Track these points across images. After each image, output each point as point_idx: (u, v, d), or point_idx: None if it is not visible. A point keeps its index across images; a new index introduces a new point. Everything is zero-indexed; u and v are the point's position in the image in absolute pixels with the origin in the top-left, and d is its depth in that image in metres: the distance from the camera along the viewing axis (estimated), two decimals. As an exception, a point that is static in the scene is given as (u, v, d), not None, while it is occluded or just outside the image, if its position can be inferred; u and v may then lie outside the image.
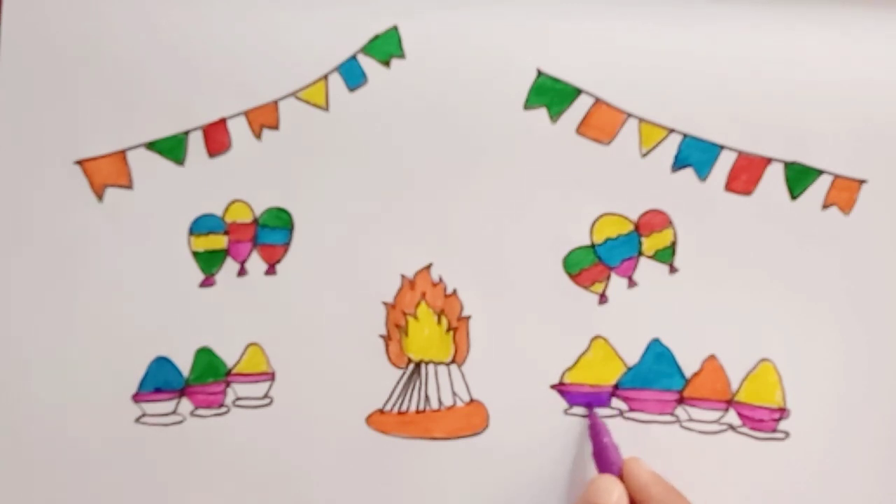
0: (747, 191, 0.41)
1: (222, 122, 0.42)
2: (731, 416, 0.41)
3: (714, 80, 0.41)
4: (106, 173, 0.42)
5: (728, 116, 0.41)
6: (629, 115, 0.41)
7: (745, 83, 0.41)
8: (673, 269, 0.41)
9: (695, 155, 0.41)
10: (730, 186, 0.41)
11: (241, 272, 0.42)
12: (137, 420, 0.41)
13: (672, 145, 0.41)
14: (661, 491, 0.37)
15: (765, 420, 0.41)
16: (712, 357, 0.41)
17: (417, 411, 0.41)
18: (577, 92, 0.42)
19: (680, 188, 0.41)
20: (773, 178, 0.41)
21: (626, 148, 0.41)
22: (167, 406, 0.41)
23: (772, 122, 0.41)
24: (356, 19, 0.42)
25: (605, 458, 0.39)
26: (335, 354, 0.41)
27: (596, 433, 0.40)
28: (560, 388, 0.41)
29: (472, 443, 0.41)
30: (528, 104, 0.42)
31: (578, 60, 0.42)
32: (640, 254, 0.41)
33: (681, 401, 0.41)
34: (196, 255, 0.42)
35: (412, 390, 0.41)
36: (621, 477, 0.38)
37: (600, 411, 0.41)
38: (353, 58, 0.42)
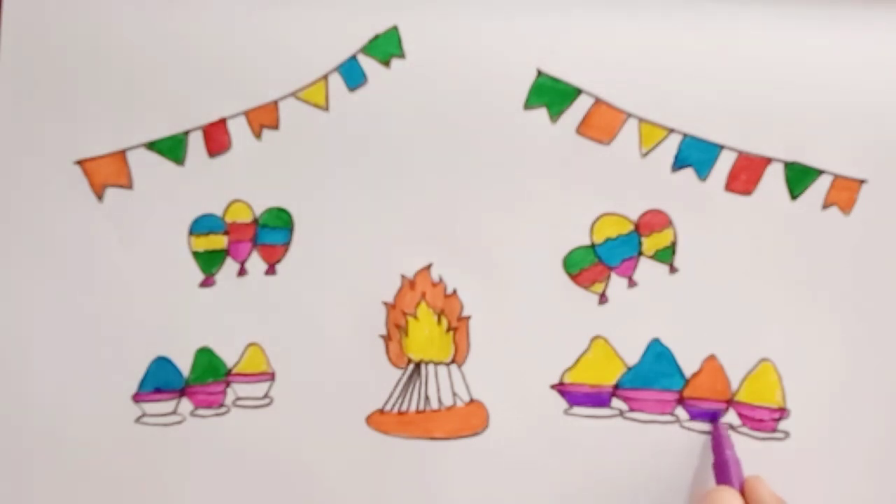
0: (747, 191, 0.41)
1: (222, 122, 0.42)
2: (731, 416, 0.41)
3: (714, 80, 0.41)
4: (106, 173, 0.42)
5: (728, 116, 0.41)
6: (629, 115, 0.41)
7: (745, 83, 0.41)
8: (673, 269, 0.41)
9: (695, 155, 0.41)
10: (730, 186, 0.41)
11: (241, 272, 0.42)
12: (137, 420, 0.41)
13: (672, 145, 0.41)
14: None
15: (765, 420, 0.41)
16: (712, 357, 0.41)
17: (417, 411, 0.41)
18: (577, 92, 0.42)
19: (680, 188, 0.41)
20: (773, 178, 0.41)
21: (626, 148, 0.41)
22: (167, 406, 0.41)
23: (772, 122, 0.41)
24: (356, 19, 0.42)
25: (725, 472, 0.38)
26: (335, 354, 0.41)
27: (719, 445, 0.39)
28: (560, 388, 0.41)
29: (472, 443, 0.41)
30: (528, 104, 0.42)
31: (578, 60, 0.42)
32: (640, 254, 0.41)
33: (681, 401, 0.41)
34: (196, 255, 0.42)
35: (412, 390, 0.41)
36: (742, 493, 0.37)
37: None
38: (353, 58, 0.42)
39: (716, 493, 0.37)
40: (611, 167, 0.41)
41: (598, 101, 0.42)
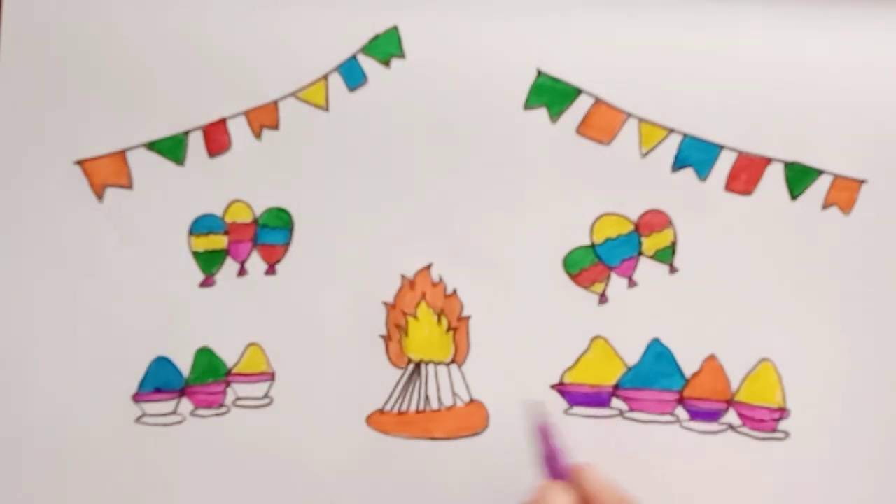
0: (747, 191, 0.41)
1: (222, 122, 0.42)
2: (731, 416, 0.41)
3: (714, 80, 0.41)
4: (106, 173, 0.42)
5: (728, 116, 0.41)
6: (629, 115, 0.41)
7: (745, 83, 0.41)
8: (673, 269, 0.41)
9: (695, 155, 0.41)
10: (730, 186, 0.41)
11: (241, 272, 0.42)
12: (137, 420, 0.41)
13: (672, 145, 0.41)
14: (612, 500, 0.35)
15: (765, 420, 0.41)
16: (712, 357, 0.41)
17: (417, 411, 0.41)
18: (577, 92, 0.42)
19: (680, 188, 0.41)
20: (773, 178, 0.41)
21: (626, 148, 0.41)
22: (167, 406, 0.41)
23: (772, 122, 0.41)
24: (356, 19, 0.42)
25: (553, 464, 0.37)
26: (335, 354, 0.41)
27: (544, 437, 0.38)
28: (560, 388, 0.41)
29: (472, 443, 0.41)
30: (528, 104, 0.42)
31: (578, 60, 0.42)
32: (640, 254, 0.41)
33: (681, 401, 0.41)
34: (196, 255, 0.42)
35: (412, 390, 0.41)
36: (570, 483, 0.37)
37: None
38: (353, 58, 0.42)
39: (544, 489, 0.36)
40: (611, 167, 0.41)
41: (598, 101, 0.42)
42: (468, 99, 0.42)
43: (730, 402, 0.41)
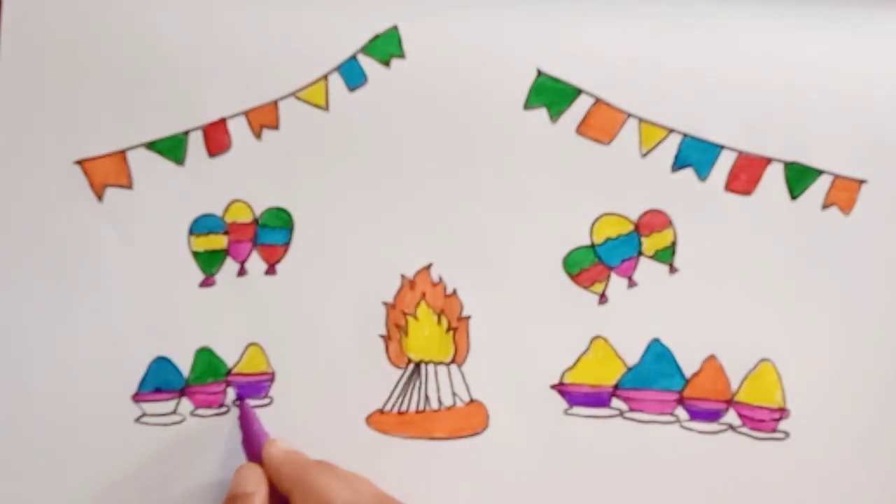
0: (747, 191, 0.41)
1: (222, 122, 0.42)
2: (731, 416, 0.41)
3: (714, 80, 0.41)
4: (106, 173, 0.42)
5: (728, 116, 0.41)
6: (629, 115, 0.41)
7: (745, 83, 0.41)
8: (673, 269, 0.41)
9: (695, 155, 0.41)
10: (730, 186, 0.41)
11: (241, 272, 0.42)
12: (137, 420, 0.41)
13: (672, 145, 0.41)
14: (290, 469, 0.37)
15: (765, 420, 0.41)
16: (712, 357, 0.41)
17: (417, 411, 0.41)
18: (577, 92, 0.42)
19: (680, 188, 0.41)
20: (773, 178, 0.41)
21: (626, 148, 0.41)
22: (167, 406, 0.41)
23: (772, 122, 0.41)
24: (356, 19, 0.42)
25: (250, 447, 0.39)
26: (335, 354, 0.41)
27: (246, 422, 0.40)
28: (560, 388, 0.41)
29: (472, 443, 0.41)
30: (528, 104, 0.42)
31: (578, 60, 0.42)
32: (640, 254, 0.42)
33: (681, 401, 0.41)
34: (196, 255, 0.42)
35: (412, 390, 0.41)
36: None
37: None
38: (353, 58, 0.42)
39: (237, 472, 0.38)
40: (611, 167, 0.42)
41: (598, 101, 0.42)
42: (468, 99, 0.42)
43: (730, 402, 0.41)
